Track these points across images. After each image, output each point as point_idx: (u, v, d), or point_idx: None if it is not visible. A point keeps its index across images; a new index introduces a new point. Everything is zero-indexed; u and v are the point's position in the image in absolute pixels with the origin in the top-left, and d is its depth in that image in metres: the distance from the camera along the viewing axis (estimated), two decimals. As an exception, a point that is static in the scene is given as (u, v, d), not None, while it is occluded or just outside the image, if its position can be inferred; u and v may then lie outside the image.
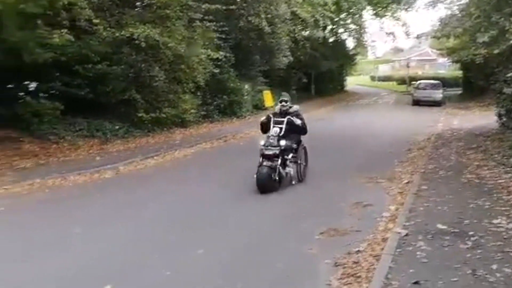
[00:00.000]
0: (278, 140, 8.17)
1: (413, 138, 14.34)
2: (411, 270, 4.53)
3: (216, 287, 4.57)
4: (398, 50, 69.19)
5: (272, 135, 8.25)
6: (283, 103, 8.87)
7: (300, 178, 8.72)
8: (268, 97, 23.17)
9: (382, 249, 5.19)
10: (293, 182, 8.46)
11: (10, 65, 11.12)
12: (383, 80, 57.50)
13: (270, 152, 8.01)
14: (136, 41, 13.42)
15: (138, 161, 11.20)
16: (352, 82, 50.41)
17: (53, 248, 5.55)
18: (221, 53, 17.33)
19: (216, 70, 17.75)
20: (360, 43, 38.58)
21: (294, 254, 5.35)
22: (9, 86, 13.17)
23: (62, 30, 11.32)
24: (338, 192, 8.15)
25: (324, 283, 4.53)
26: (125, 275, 4.76)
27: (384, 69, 65.40)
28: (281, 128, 8.40)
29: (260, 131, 8.97)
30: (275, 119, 8.64)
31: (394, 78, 54.57)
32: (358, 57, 45.24)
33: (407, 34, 38.65)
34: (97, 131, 13.50)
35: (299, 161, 8.71)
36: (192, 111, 16.90)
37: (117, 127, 14.10)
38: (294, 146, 8.59)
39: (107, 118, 14.11)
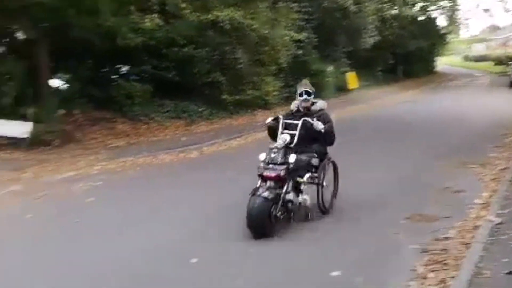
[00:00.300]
0: (286, 154, 5.39)
1: (510, 122, 13.35)
2: (504, 260, 4.25)
3: (304, 268, 4.54)
4: (495, 28, 64.34)
5: (277, 148, 5.43)
6: (306, 96, 5.94)
7: (323, 208, 5.87)
8: (352, 79, 22.69)
9: (473, 237, 4.91)
10: (309, 217, 5.70)
11: (105, 49, 11.83)
12: (477, 61, 53.89)
13: (272, 174, 5.27)
14: (221, 24, 13.68)
15: (221, 142, 11.53)
16: (442, 62, 47.80)
17: (144, 223, 5.85)
18: (304, 34, 17.17)
19: (299, 52, 17.62)
20: (452, 21, 36.41)
21: (378, 237, 5.23)
22: (104, 70, 14.03)
23: (152, 15, 11.84)
24: (425, 177, 7.79)
25: (409, 268, 4.39)
26: (209, 251, 4.91)
27: (478, 49, 61.30)
28: (292, 136, 5.61)
29: (268, 136, 6.10)
30: (285, 121, 5.86)
31: (489, 58, 50.94)
32: (450, 36, 42.65)
33: (506, 10, 35.84)
34: (183, 113, 14.01)
35: (320, 183, 5.78)
36: (275, 93, 16.99)
37: (201, 109, 14.54)
38: (314, 162, 5.78)
39: (192, 100, 14.60)
